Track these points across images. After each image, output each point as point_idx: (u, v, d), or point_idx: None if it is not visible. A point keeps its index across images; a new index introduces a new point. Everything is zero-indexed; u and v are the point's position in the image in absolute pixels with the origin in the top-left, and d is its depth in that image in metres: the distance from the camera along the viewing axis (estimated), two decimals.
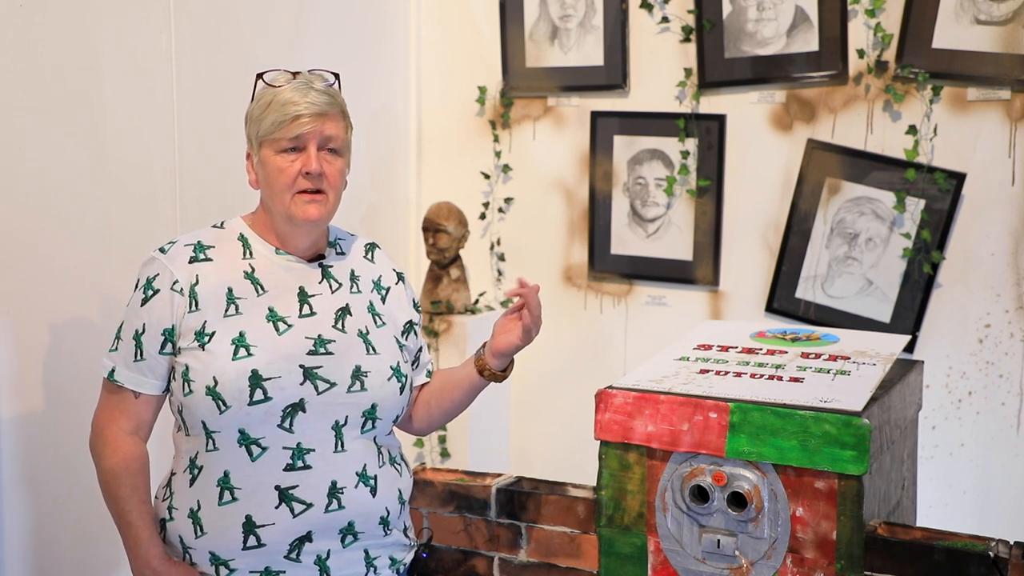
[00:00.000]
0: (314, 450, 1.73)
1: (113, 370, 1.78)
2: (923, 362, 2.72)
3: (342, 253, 1.90)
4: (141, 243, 2.45)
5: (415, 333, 1.95)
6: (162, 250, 1.80)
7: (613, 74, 3.64)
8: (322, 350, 1.76)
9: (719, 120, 3.50)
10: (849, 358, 2.37)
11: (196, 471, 1.75)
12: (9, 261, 2.30)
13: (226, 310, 1.74)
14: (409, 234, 3.96)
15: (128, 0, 2.59)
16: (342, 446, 1.76)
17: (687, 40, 3.52)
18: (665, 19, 3.55)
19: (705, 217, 3.54)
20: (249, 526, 1.71)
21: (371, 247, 1.96)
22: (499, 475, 2.46)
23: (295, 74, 1.78)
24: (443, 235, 3.67)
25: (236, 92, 2.60)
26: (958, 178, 3.17)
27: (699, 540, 2.16)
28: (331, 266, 1.87)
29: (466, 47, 3.89)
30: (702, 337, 2.61)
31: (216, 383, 1.70)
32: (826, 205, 3.37)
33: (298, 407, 1.72)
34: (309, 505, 1.73)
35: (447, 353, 3.57)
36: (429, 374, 2.00)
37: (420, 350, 1.97)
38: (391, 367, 1.82)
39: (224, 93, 2.85)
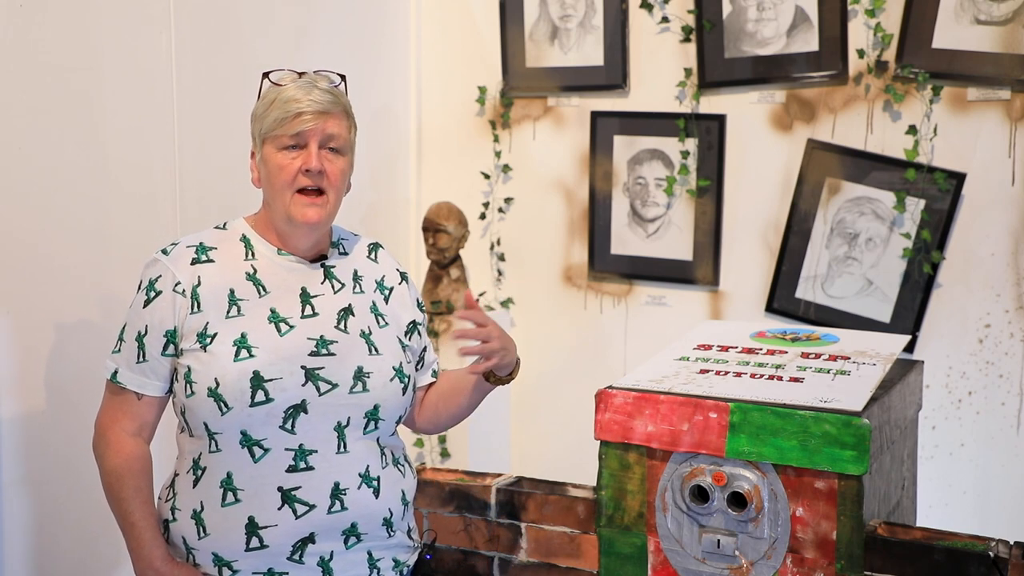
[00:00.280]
0: (316, 451, 1.73)
1: (116, 371, 1.78)
2: (923, 362, 2.72)
3: (345, 253, 1.90)
4: (141, 243, 2.46)
5: (419, 333, 1.94)
6: (164, 252, 1.79)
7: (613, 74, 3.64)
8: (324, 351, 1.76)
9: (719, 120, 3.49)
10: (849, 358, 2.37)
11: (199, 472, 1.75)
12: (9, 261, 2.30)
13: (228, 311, 1.74)
14: (409, 234, 3.96)
15: (128, 0, 2.59)
16: (345, 447, 1.76)
17: (687, 40, 3.52)
18: (665, 19, 3.55)
19: (705, 217, 3.54)
20: (252, 527, 1.71)
21: (375, 247, 1.96)
22: (499, 475, 2.46)
23: (301, 74, 1.78)
24: (443, 235, 3.66)
25: (236, 92, 2.60)
26: (958, 178, 3.17)
27: (699, 540, 2.16)
28: (334, 266, 1.86)
29: (466, 47, 3.89)
30: (702, 337, 2.61)
31: (218, 384, 1.69)
32: (826, 205, 3.37)
33: (300, 408, 1.72)
34: (312, 506, 1.72)
35: (448, 353, 3.57)
36: (435, 374, 2.00)
37: (425, 350, 1.97)
38: (393, 368, 1.82)
39: (224, 93, 2.85)
